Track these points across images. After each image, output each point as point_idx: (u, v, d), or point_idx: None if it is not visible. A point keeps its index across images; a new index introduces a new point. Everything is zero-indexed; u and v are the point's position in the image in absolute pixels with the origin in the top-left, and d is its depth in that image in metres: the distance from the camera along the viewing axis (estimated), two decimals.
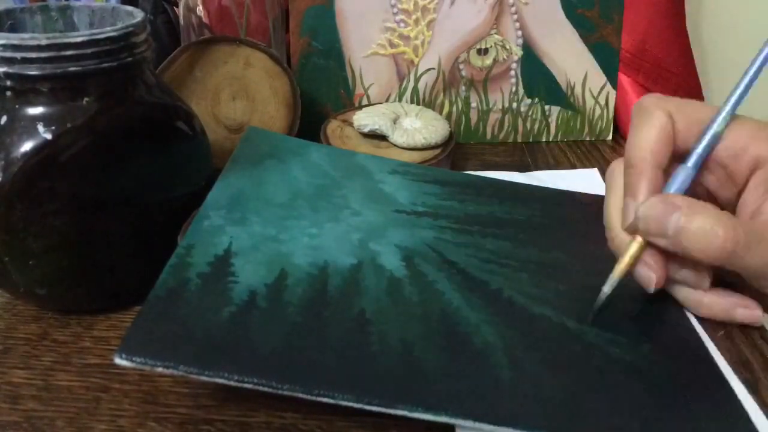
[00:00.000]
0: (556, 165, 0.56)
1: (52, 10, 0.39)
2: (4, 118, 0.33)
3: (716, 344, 0.34)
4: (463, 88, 0.59)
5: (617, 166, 0.36)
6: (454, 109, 0.60)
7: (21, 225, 0.33)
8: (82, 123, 0.33)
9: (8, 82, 0.32)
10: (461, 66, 0.59)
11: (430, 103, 0.59)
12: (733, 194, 0.35)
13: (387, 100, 0.59)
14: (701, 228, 0.30)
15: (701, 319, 0.36)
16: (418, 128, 0.52)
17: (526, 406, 0.28)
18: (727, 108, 0.34)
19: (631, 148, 0.34)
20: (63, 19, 0.39)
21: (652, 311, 0.35)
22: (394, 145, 0.52)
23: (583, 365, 0.31)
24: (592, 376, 0.30)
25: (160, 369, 0.27)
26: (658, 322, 0.34)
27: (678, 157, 0.35)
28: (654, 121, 0.34)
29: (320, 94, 0.59)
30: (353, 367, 0.29)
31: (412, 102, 0.59)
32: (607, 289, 0.33)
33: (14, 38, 0.31)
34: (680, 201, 0.32)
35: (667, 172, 0.34)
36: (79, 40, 0.32)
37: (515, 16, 0.58)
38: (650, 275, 0.33)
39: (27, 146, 0.32)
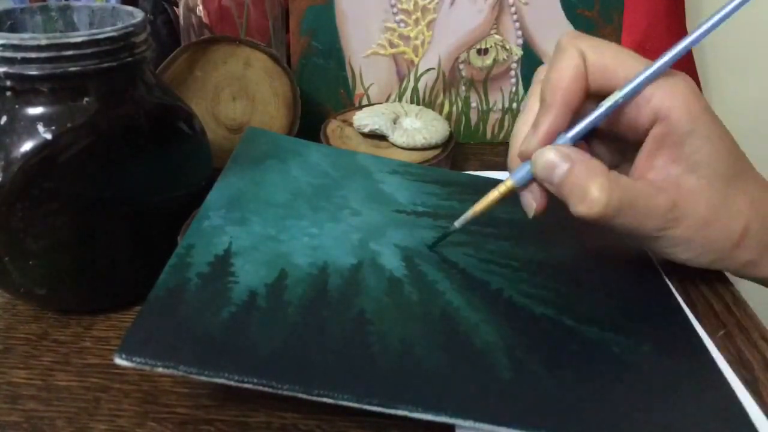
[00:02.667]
0: None
1: (52, 10, 0.39)
2: (4, 118, 0.33)
3: (716, 344, 0.34)
4: (463, 88, 0.59)
5: (537, 78, 0.37)
6: (454, 109, 0.60)
7: (21, 225, 0.33)
8: (82, 123, 0.33)
9: (8, 82, 0.32)
10: (461, 66, 0.59)
11: (430, 103, 0.59)
12: (636, 141, 0.35)
13: (387, 100, 0.59)
14: (578, 185, 0.32)
15: (701, 319, 0.36)
16: (418, 128, 0.52)
17: (526, 406, 0.28)
18: (638, 80, 0.33)
19: (544, 84, 0.35)
20: (63, 19, 0.39)
21: (652, 311, 0.35)
22: (394, 145, 0.52)
23: (583, 365, 0.31)
24: (591, 376, 0.30)
25: (160, 369, 0.27)
26: (658, 322, 0.34)
27: (590, 93, 0.35)
28: (566, 59, 0.34)
29: (320, 94, 0.59)
30: (353, 367, 0.29)
31: (412, 102, 0.59)
32: (457, 223, 0.36)
33: (14, 38, 0.31)
34: (570, 155, 0.33)
35: (578, 109, 0.34)
36: (79, 40, 0.32)
37: (515, 16, 0.58)
38: (531, 203, 0.35)
39: (27, 146, 0.32)
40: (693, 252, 0.35)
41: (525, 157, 0.35)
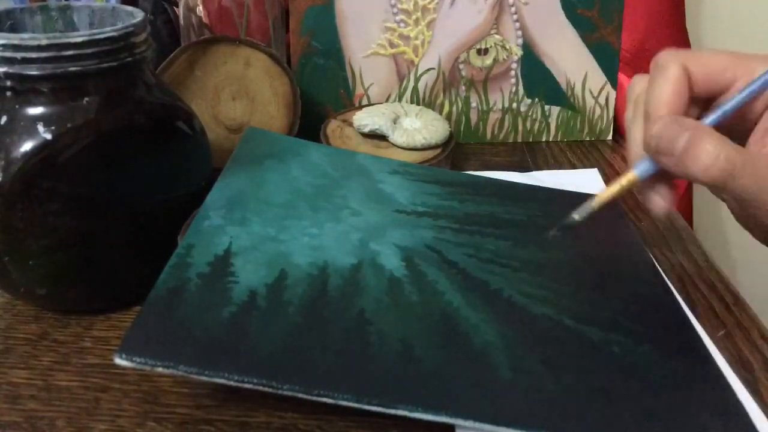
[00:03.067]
0: (556, 165, 0.56)
1: (52, 10, 0.39)
2: (4, 118, 0.33)
3: (716, 344, 0.34)
4: (463, 88, 0.59)
5: (639, 84, 0.38)
6: (454, 109, 0.60)
7: (21, 225, 0.33)
8: (82, 123, 0.33)
9: (8, 82, 0.32)
10: (461, 66, 0.59)
11: (430, 103, 0.59)
12: (747, 129, 0.36)
13: (387, 100, 0.59)
14: (705, 149, 0.32)
15: (701, 319, 0.36)
16: (418, 128, 0.52)
17: (526, 406, 0.28)
18: (751, 87, 0.34)
19: (648, 103, 0.36)
20: (63, 19, 0.39)
21: (652, 311, 0.35)
22: (394, 145, 0.52)
23: (583, 365, 0.31)
24: (591, 376, 0.30)
25: (160, 369, 0.27)
26: (658, 322, 0.34)
27: (698, 101, 0.36)
28: (668, 74, 0.35)
29: (320, 94, 0.59)
30: (353, 367, 0.29)
31: (412, 102, 0.59)
32: (576, 215, 0.36)
33: (14, 38, 0.31)
34: (690, 123, 0.33)
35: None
36: (79, 40, 0.32)
37: (515, 16, 0.58)
38: (659, 202, 0.35)
39: (27, 146, 0.32)
40: None
41: (646, 148, 0.35)
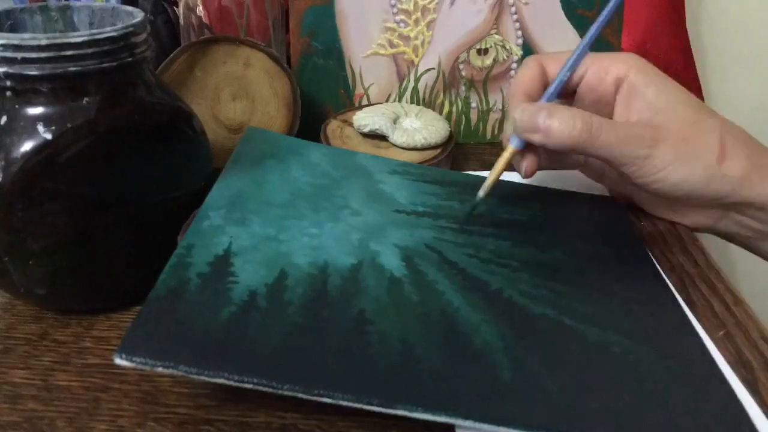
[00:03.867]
0: None
1: (52, 10, 0.39)
2: (4, 118, 0.33)
3: (716, 344, 0.34)
4: (463, 88, 0.59)
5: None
6: (454, 109, 0.60)
7: (21, 225, 0.33)
8: (82, 123, 0.33)
9: (8, 82, 0.32)
10: (461, 66, 0.59)
11: (430, 103, 0.59)
12: (608, 114, 0.42)
13: (387, 100, 0.59)
14: (562, 119, 0.38)
15: (701, 319, 0.36)
16: (418, 128, 0.52)
17: (526, 406, 0.28)
18: (581, 47, 0.42)
19: (509, 90, 0.44)
20: (63, 19, 0.39)
21: (652, 311, 0.35)
22: (394, 145, 0.52)
23: (583, 365, 0.31)
24: (592, 376, 0.30)
25: (160, 369, 0.27)
26: (658, 323, 0.34)
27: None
28: (525, 68, 0.43)
29: (320, 94, 0.59)
30: (353, 367, 0.29)
31: (412, 102, 0.59)
32: (481, 192, 0.41)
33: (14, 38, 0.31)
34: (545, 104, 0.40)
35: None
36: (79, 40, 0.32)
37: (515, 16, 0.58)
38: (530, 168, 0.41)
39: (27, 146, 0.32)
40: (683, 171, 0.39)
41: (513, 132, 0.41)
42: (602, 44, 0.58)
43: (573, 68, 0.42)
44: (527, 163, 0.41)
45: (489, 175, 0.41)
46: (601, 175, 0.46)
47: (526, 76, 0.42)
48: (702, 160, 0.39)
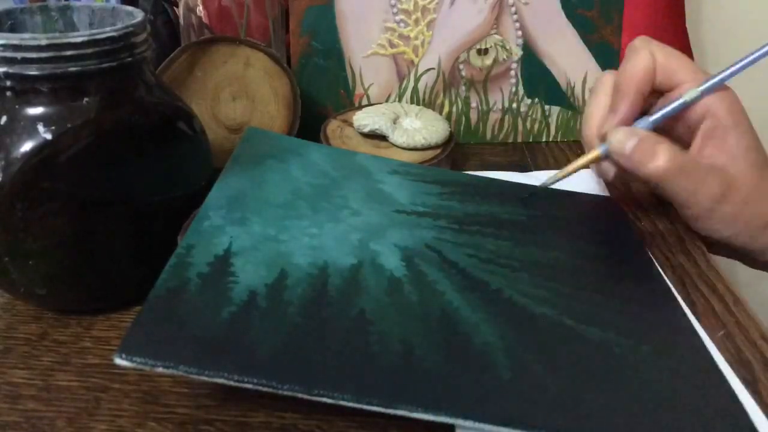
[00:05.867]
0: (556, 165, 0.56)
1: (52, 10, 0.39)
2: (4, 118, 0.33)
3: (716, 344, 0.34)
4: (463, 88, 0.59)
5: (608, 79, 0.44)
6: (454, 109, 0.60)
7: (21, 225, 0.33)
8: (82, 123, 0.33)
9: (8, 82, 0.32)
10: (461, 66, 0.59)
11: (430, 103, 0.59)
12: (685, 136, 0.43)
13: (387, 100, 0.59)
14: (648, 150, 0.40)
15: (701, 319, 0.36)
16: (418, 128, 0.52)
17: (526, 406, 0.28)
18: (702, 87, 0.41)
19: (621, 76, 0.42)
20: (63, 19, 0.39)
21: (652, 311, 0.35)
22: (394, 145, 0.52)
23: (583, 365, 0.31)
24: (592, 376, 0.30)
25: (160, 369, 0.27)
26: (658, 322, 0.34)
27: (655, 87, 0.43)
28: (640, 57, 0.42)
29: (320, 94, 0.59)
30: (353, 367, 0.29)
31: (412, 102, 0.59)
32: (548, 180, 0.44)
33: (14, 38, 0.31)
34: (640, 132, 0.41)
35: (647, 98, 0.43)
36: (79, 40, 0.32)
37: (515, 16, 0.58)
38: (610, 171, 0.43)
39: (27, 146, 0.32)
40: (735, 228, 0.41)
41: (602, 138, 0.42)
42: (602, 44, 0.58)
43: (679, 109, 0.41)
44: (606, 168, 0.43)
45: (563, 169, 0.44)
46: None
47: (641, 68, 0.41)
48: (753, 223, 0.41)
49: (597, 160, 0.43)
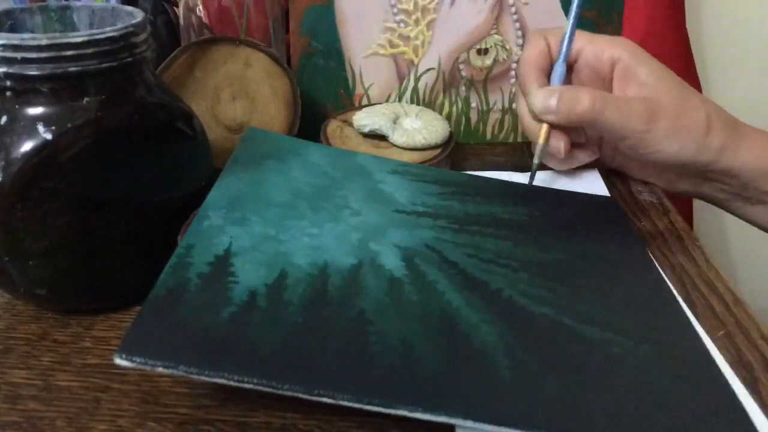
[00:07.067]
0: None
1: (52, 10, 0.39)
2: (4, 118, 0.33)
3: (716, 344, 0.34)
4: (463, 88, 0.59)
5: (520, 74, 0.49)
6: (454, 109, 0.60)
7: (21, 225, 0.33)
8: (82, 123, 0.33)
9: (8, 82, 0.32)
10: (461, 66, 0.59)
11: (430, 103, 0.59)
12: (606, 89, 0.47)
13: (387, 100, 0.59)
14: (571, 97, 0.44)
15: (701, 319, 0.36)
16: (418, 128, 0.52)
17: (526, 406, 0.28)
18: (571, 19, 0.47)
19: (519, 65, 0.49)
20: (63, 19, 0.39)
21: (652, 311, 0.35)
22: (394, 145, 0.52)
23: (583, 365, 0.31)
24: (592, 376, 0.30)
25: (160, 369, 0.27)
26: (658, 322, 0.34)
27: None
28: (532, 45, 0.48)
29: (320, 94, 0.59)
30: (353, 367, 0.29)
31: (412, 102, 0.59)
32: (536, 159, 0.47)
33: (14, 38, 0.31)
34: (558, 88, 0.45)
35: (549, 75, 0.48)
36: (79, 40, 0.32)
37: (515, 16, 0.58)
38: (560, 144, 0.46)
39: (27, 146, 0.32)
40: (677, 143, 0.44)
41: (533, 115, 0.47)
42: None
43: (570, 41, 0.47)
44: (555, 145, 0.46)
45: (539, 142, 0.46)
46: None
47: (534, 52, 0.47)
48: (693, 133, 0.43)
49: (549, 132, 0.46)
